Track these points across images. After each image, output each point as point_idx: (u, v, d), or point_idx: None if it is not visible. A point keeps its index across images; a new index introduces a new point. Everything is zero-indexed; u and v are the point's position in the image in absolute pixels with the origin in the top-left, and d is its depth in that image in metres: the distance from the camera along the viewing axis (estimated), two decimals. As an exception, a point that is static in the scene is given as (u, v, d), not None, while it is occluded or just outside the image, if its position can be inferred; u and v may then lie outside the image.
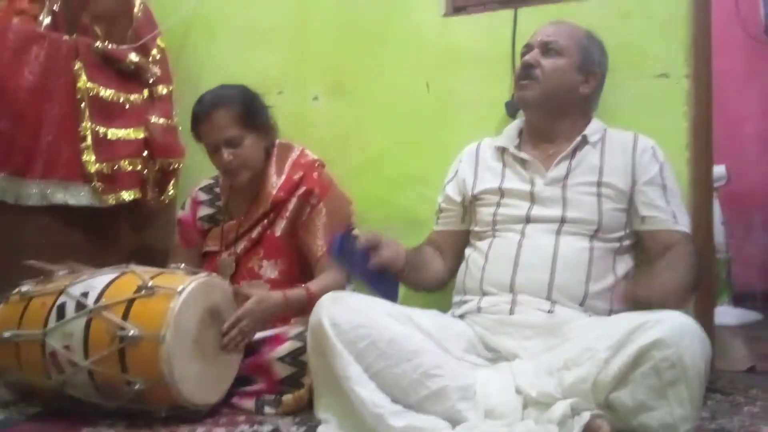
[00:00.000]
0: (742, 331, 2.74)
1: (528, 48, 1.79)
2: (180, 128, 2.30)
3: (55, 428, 1.49)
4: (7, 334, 1.60)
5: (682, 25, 1.89)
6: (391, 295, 1.66)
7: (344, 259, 1.54)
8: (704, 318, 1.75)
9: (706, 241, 1.86)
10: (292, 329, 1.74)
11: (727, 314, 2.94)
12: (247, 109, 1.94)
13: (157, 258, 2.17)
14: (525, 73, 1.75)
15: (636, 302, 1.37)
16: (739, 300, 3.27)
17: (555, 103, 1.75)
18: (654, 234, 1.67)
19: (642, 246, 1.71)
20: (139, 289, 1.55)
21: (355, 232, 2.03)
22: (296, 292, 1.81)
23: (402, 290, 1.81)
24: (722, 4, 3.26)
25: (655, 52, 1.92)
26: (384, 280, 1.62)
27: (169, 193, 2.32)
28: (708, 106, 1.88)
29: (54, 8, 2.31)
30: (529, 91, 1.74)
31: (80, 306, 1.55)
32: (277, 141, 2.05)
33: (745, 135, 3.56)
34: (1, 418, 1.56)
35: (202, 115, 1.93)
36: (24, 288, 1.67)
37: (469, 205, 1.84)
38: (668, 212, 1.67)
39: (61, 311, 1.56)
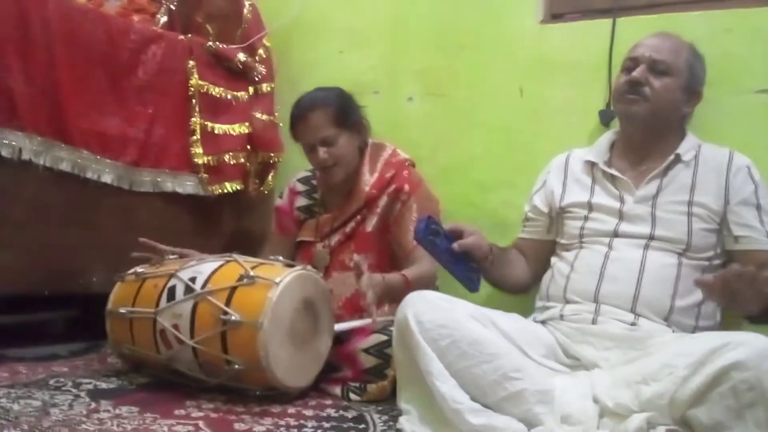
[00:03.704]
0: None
1: (634, 62, 1.75)
2: (281, 124, 2.43)
3: (162, 398, 1.63)
4: (123, 311, 1.76)
5: (786, 41, 1.86)
6: (472, 282, 1.69)
7: (428, 242, 1.58)
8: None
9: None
10: (379, 323, 1.83)
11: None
12: (341, 110, 2.03)
13: (254, 243, 2.31)
14: (634, 89, 1.72)
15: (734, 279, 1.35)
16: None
17: (659, 121, 1.74)
18: (748, 254, 1.66)
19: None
20: (241, 278, 1.67)
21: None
22: (395, 276, 1.86)
23: (485, 291, 1.86)
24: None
25: (756, 67, 1.90)
26: (466, 266, 1.66)
27: (269, 184, 2.47)
28: (810, 124, 1.84)
29: (171, 6, 2.48)
30: (637, 107, 1.73)
31: (189, 290, 1.68)
32: (371, 140, 2.14)
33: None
34: (114, 386, 1.73)
35: (299, 116, 2.04)
36: (139, 269, 1.83)
37: (556, 216, 1.87)
38: (762, 232, 1.66)
39: (172, 293, 1.70)
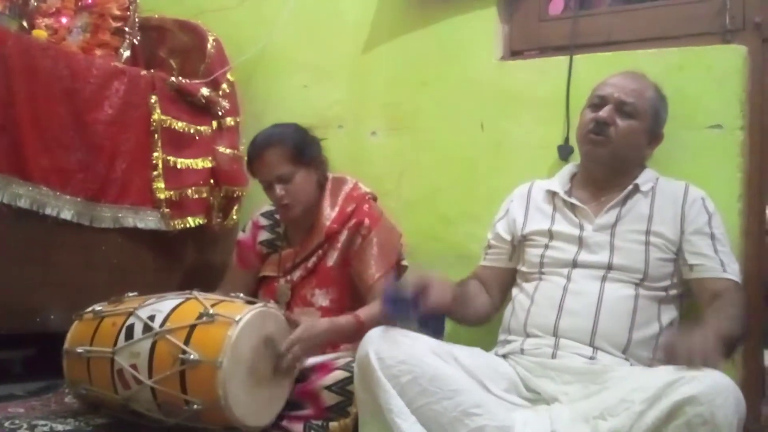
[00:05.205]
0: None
1: (602, 101, 1.77)
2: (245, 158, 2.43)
3: (119, 440, 1.61)
4: (80, 350, 1.73)
5: (737, 78, 1.91)
6: (438, 332, 1.72)
7: (397, 314, 1.60)
8: (753, 361, 1.79)
9: (757, 291, 1.87)
10: (341, 359, 1.82)
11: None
12: (297, 147, 2.03)
13: (218, 278, 2.29)
14: (599, 129, 1.75)
15: (676, 356, 1.40)
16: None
17: (620, 161, 1.78)
18: (702, 282, 1.69)
19: (691, 295, 1.73)
20: (200, 315, 1.65)
21: (404, 263, 2.12)
22: (345, 319, 1.88)
23: (448, 326, 1.88)
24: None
25: (709, 103, 1.94)
26: (432, 319, 1.68)
27: (232, 218, 2.46)
28: (762, 158, 1.90)
29: (134, 41, 2.49)
30: (601, 149, 1.76)
31: (147, 328, 1.67)
32: (331, 175, 2.14)
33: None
34: (71, 428, 1.69)
35: (254, 154, 2.04)
36: (97, 307, 1.81)
37: (518, 244, 1.88)
38: (716, 260, 1.69)
39: (130, 332, 1.68)
